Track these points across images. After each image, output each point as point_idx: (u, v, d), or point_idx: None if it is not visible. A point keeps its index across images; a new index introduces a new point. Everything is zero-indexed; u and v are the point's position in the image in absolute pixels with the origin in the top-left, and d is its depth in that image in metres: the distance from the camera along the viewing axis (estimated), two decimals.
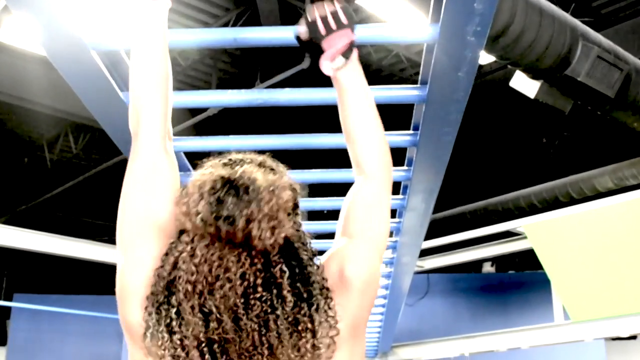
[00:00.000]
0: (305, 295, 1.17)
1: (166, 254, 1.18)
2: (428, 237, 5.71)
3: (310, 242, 1.25)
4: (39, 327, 9.54)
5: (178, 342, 1.13)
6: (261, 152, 1.33)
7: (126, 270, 1.26)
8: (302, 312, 1.15)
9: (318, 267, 1.23)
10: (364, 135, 1.44)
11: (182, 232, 1.18)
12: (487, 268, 8.37)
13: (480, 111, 5.81)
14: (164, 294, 1.15)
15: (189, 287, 1.13)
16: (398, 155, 2.05)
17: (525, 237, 5.36)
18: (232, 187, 1.14)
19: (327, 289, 1.21)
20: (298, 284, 1.16)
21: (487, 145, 8.04)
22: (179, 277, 1.14)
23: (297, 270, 1.17)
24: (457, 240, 5.79)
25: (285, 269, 1.16)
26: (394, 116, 2.44)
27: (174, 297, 1.14)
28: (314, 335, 1.16)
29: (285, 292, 1.14)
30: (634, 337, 9.07)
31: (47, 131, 8.30)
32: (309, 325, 1.16)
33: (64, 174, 8.60)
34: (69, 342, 9.52)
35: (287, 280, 1.15)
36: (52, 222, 6.99)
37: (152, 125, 1.34)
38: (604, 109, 4.66)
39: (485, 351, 6.54)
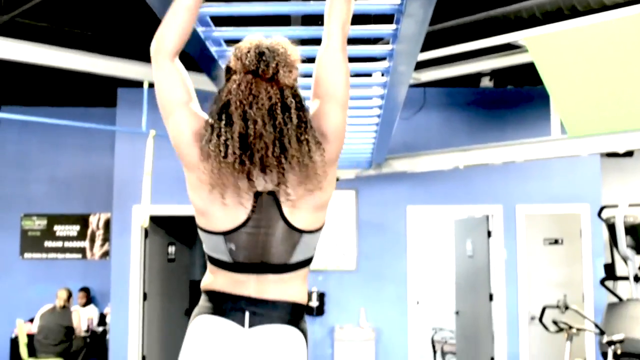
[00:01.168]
0: (304, 119, 2.00)
1: (221, 91, 2.03)
2: (425, 48, 5.71)
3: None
4: (29, 139, 9.79)
5: (223, 141, 1.94)
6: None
7: (179, 122, 2.05)
8: (302, 128, 1.99)
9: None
10: (333, 21, 2.11)
11: (231, 72, 2.05)
12: (486, 82, 8.41)
13: None
14: (220, 112, 1.98)
15: (238, 103, 1.96)
16: None
17: (525, 51, 5.35)
18: (268, 47, 2.02)
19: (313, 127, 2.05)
20: (300, 112, 2.00)
21: None
22: (231, 99, 1.98)
23: (299, 104, 2.02)
24: (455, 52, 5.77)
25: (292, 100, 2.00)
26: None
27: (225, 113, 1.97)
28: (307, 143, 1.98)
29: (292, 113, 1.98)
30: (629, 154, 9.36)
31: None
32: (307, 137, 1.98)
33: None
34: (62, 154, 9.82)
35: (294, 106, 1.99)
36: (38, 32, 6.88)
37: (172, 54, 2.06)
38: None
39: (480, 164, 6.71)
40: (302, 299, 2.09)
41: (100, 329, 9.10)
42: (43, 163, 9.84)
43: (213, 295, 2.08)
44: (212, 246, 2.08)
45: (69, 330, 8.37)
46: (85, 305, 9.36)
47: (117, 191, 8.73)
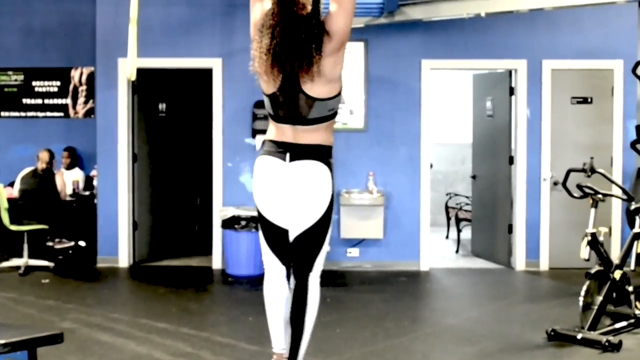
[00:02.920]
0: (314, 35, 3.35)
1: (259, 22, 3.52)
2: None
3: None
4: None
5: (261, 46, 3.50)
6: None
7: (254, 11, 3.54)
8: (314, 41, 3.35)
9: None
10: None
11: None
12: None
13: None
14: (259, 28, 3.52)
15: (268, 23, 3.45)
16: None
17: None
18: None
19: (321, 36, 3.40)
20: (316, 27, 3.38)
21: None
22: (265, 20, 3.49)
23: (317, 22, 3.39)
24: None
25: (307, 22, 3.36)
26: None
27: (259, 31, 3.52)
28: (314, 52, 3.38)
29: (305, 29, 3.35)
30: None
31: None
32: (312, 51, 3.36)
33: None
34: (37, 1, 9.68)
35: (309, 27, 3.35)
36: None
37: None
38: None
39: (504, 11, 6.63)
40: (325, 141, 3.58)
41: (87, 193, 9.29)
42: (17, 11, 9.72)
43: (268, 142, 3.62)
44: (266, 104, 3.63)
45: (53, 194, 8.55)
46: (69, 167, 9.52)
47: (101, 42, 8.70)
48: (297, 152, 3.53)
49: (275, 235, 3.62)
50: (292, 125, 3.53)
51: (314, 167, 3.52)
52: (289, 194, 3.53)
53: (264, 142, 3.68)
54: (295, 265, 3.60)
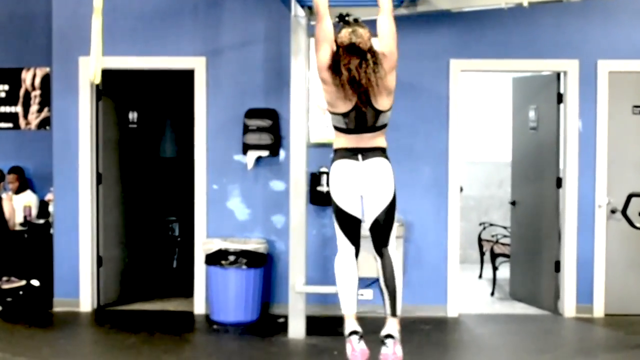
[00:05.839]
0: (376, 63, 5.16)
1: (332, 55, 5.25)
2: None
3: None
4: None
5: (341, 79, 5.15)
6: None
7: (320, 57, 5.26)
8: (377, 67, 5.15)
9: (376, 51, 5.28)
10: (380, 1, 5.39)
11: (338, 47, 5.19)
12: None
13: None
14: (335, 63, 5.18)
15: (344, 62, 5.13)
16: None
17: None
18: (355, 32, 5.15)
19: (380, 59, 5.24)
20: (375, 57, 5.18)
21: None
22: (340, 60, 5.17)
23: (374, 53, 5.19)
24: None
25: (369, 56, 5.14)
26: None
27: (338, 65, 5.18)
28: (378, 74, 5.17)
29: (370, 59, 5.14)
30: None
31: None
32: (379, 72, 5.16)
33: None
34: None
35: (371, 58, 5.15)
36: None
37: (324, 9, 5.30)
38: None
39: (552, 1, 6.60)
40: (384, 144, 5.37)
41: (42, 221, 9.26)
42: None
43: (341, 150, 5.32)
44: (337, 121, 5.29)
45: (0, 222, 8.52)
46: (19, 191, 9.49)
47: (58, 37, 8.68)
48: (367, 153, 5.29)
49: (351, 223, 5.36)
50: (359, 134, 5.28)
51: (381, 163, 5.32)
52: (365, 185, 5.29)
53: (335, 151, 5.39)
54: (376, 243, 5.37)
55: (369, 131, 5.31)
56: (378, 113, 5.25)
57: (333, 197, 5.42)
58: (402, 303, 8.32)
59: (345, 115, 5.27)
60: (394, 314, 5.32)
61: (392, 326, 5.30)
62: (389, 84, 5.28)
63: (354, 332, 5.31)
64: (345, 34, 5.22)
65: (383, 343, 5.26)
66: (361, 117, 5.25)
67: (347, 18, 5.59)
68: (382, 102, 5.24)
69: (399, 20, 8.12)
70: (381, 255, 5.40)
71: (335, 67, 5.18)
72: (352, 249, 5.43)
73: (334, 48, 5.25)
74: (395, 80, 5.34)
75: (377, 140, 5.36)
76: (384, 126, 5.39)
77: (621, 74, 8.54)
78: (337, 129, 5.41)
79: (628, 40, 8.52)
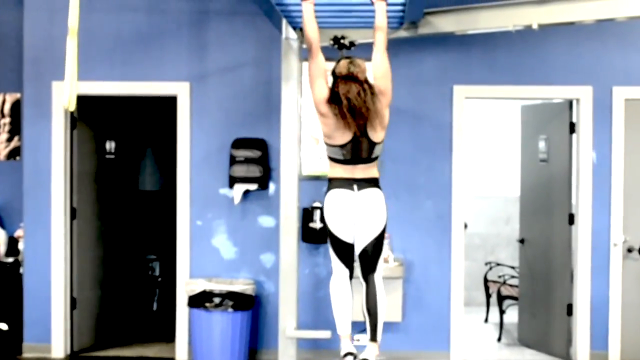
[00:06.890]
0: (373, 93, 5.74)
1: (331, 86, 5.86)
2: None
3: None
4: None
5: (340, 111, 5.68)
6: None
7: (317, 92, 5.80)
8: (374, 98, 5.72)
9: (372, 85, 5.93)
10: (376, 29, 5.89)
11: (336, 77, 5.79)
12: None
13: None
14: (334, 94, 5.74)
15: (343, 91, 5.68)
16: None
17: None
18: (352, 63, 5.78)
19: (376, 91, 5.85)
20: (371, 88, 5.75)
21: None
22: (339, 90, 5.72)
23: (370, 84, 5.78)
24: None
25: (366, 86, 5.72)
26: None
27: (337, 95, 5.73)
28: (375, 103, 5.73)
29: (367, 89, 5.69)
30: None
31: None
32: (374, 100, 5.72)
33: None
34: None
35: (368, 88, 5.71)
36: None
37: (317, 45, 5.80)
38: None
39: (563, 23, 6.63)
40: (377, 174, 5.85)
41: (10, 259, 9.21)
42: None
43: (337, 179, 5.78)
44: (333, 152, 5.77)
45: None
46: None
47: (30, 60, 8.68)
48: (362, 183, 5.77)
49: (345, 249, 5.88)
50: (354, 165, 5.77)
51: (375, 193, 5.81)
52: (359, 214, 5.76)
53: (330, 180, 5.87)
54: (364, 269, 5.85)
55: (364, 162, 5.82)
56: (373, 145, 5.77)
57: (328, 225, 5.91)
58: (401, 349, 8.50)
59: (342, 147, 5.77)
60: (373, 338, 5.87)
61: (371, 351, 5.86)
62: (384, 119, 5.81)
63: (349, 354, 5.90)
64: (343, 64, 5.78)
65: None
66: (357, 149, 5.76)
67: (342, 41, 5.78)
68: (377, 135, 5.77)
69: (398, 43, 8.20)
70: (367, 281, 5.88)
71: (334, 97, 5.69)
72: (347, 271, 5.95)
73: (330, 81, 5.81)
74: (388, 118, 5.87)
75: (370, 171, 5.87)
76: (377, 158, 5.91)
77: (638, 102, 8.54)
78: (332, 159, 5.91)
79: None
